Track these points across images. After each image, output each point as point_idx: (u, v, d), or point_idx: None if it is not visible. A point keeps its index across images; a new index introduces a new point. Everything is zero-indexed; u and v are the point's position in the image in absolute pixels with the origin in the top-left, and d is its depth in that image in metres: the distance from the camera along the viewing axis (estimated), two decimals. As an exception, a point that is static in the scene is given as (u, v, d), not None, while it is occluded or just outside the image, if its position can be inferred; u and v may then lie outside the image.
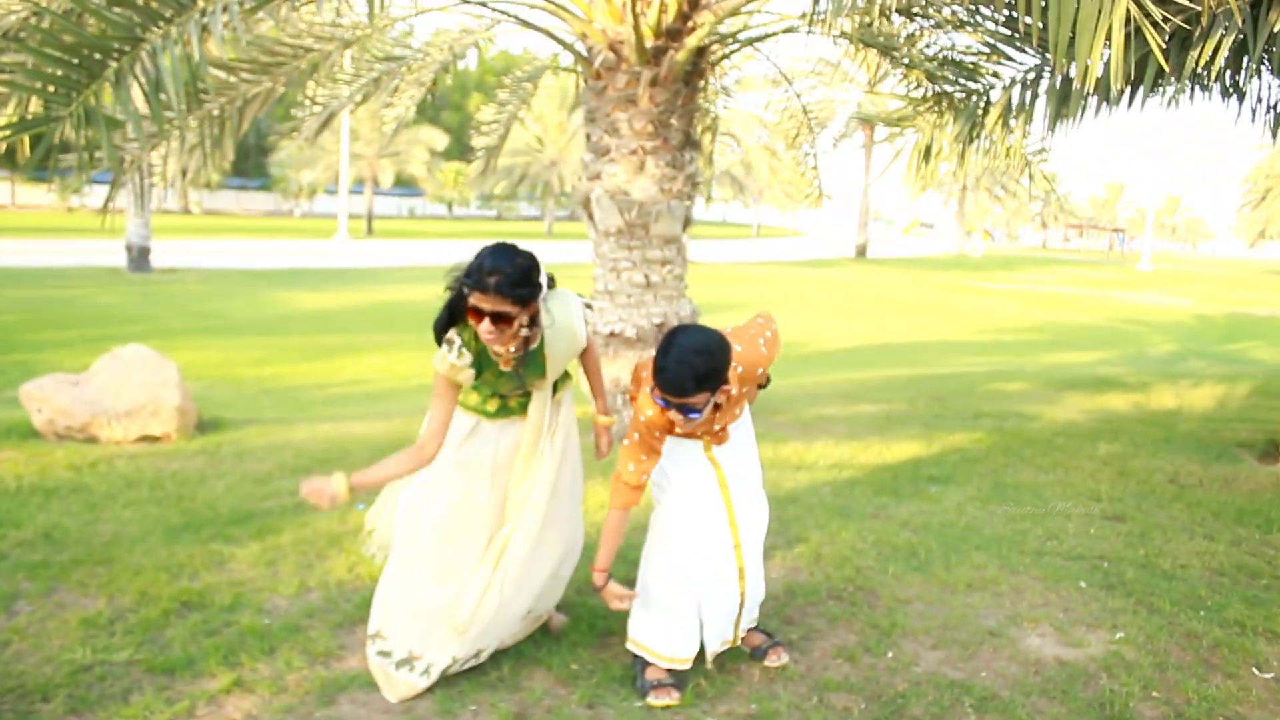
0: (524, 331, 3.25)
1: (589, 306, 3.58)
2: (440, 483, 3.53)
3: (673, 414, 3.17)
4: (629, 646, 3.64)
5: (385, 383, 12.32)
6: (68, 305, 18.72)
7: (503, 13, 7.80)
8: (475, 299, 3.08)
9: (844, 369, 14.22)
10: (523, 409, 3.55)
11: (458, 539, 3.54)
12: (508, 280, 3.06)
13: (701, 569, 3.51)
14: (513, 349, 3.29)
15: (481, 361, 3.33)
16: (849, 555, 4.83)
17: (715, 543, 3.50)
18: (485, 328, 3.10)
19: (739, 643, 3.73)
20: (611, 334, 7.52)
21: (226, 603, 4.06)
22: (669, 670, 3.57)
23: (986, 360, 16.55)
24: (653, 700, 3.47)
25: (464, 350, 3.26)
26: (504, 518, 3.59)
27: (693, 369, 3.06)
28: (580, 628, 3.91)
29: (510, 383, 3.43)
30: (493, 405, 3.55)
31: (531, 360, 3.39)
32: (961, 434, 8.09)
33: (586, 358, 3.73)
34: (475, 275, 3.07)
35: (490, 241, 3.25)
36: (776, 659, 3.69)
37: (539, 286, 3.21)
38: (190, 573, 4.37)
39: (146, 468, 6.17)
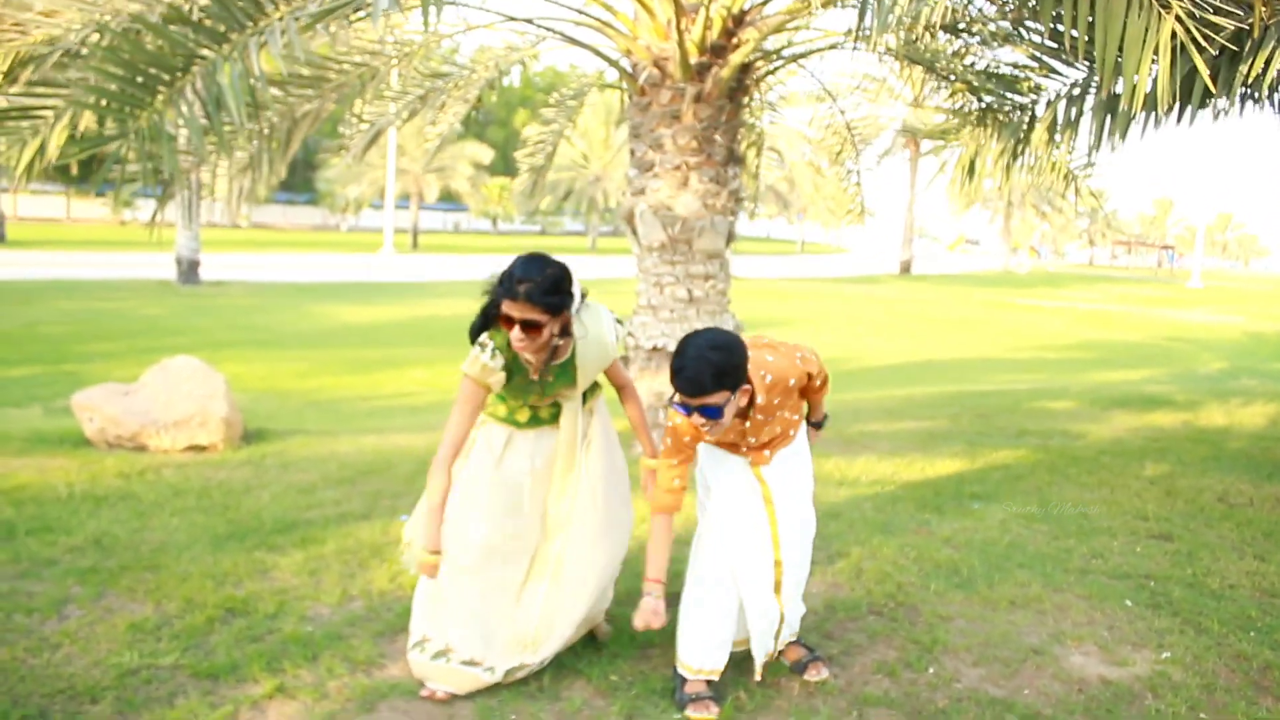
0: (555, 341, 3.32)
1: (619, 322, 3.62)
2: (481, 500, 3.57)
3: (695, 418, 3.16)
4: (676, 665, 3.65)
5: (428, 395, 12.43)
6: (119, 317, 19.05)
7: (548, 29, 7.85)
8: (506, 306, 3.17)
9: (888, 385, 14.13)
10: (554, 419, 3.59)
11: (503, 555, 3.58)
12: (538, 288, 3.15)
13: (740, 581, 3.50)
14: (542, 358, 3.36)
15: (513, 367, 3.38)
16: (890, 571, 4.81)
17: (755, 556, 3.49)
18: (516, 335, 3.19)
19: (779, 656, 3.71)
20: (654, 348, 7.53)
21: (270, 610, 4.11)
22: (709, 683, 3.57)
23: (1032, 377, 16.38)
24: (692, 714, 3.47)
25: (497, 353, 3.33)
26: (547, 531, 3.62)
27: (710, 364, 3.07)
28: (620, 639, 3.91)
29: (539, 391, 3.48)
30: (523, 415, 3.59)
31: (563, 370, 3.45)
32: (1005, 451, 8.01)
33: (628, 400, 3.74)
34: (507, 283, 3.17)
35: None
36: (816, 674, 3.68)
37: (570, 296, 3.28)
38: (235, 580, 4.43)
39: (194, 477, 6.26)
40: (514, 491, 3.58)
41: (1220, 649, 4.04)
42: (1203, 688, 3.71)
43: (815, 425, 3.79)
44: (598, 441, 3.68)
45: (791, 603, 3.60)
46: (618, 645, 3.88)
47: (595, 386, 3.71)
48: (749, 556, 3.49)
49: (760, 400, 3.33)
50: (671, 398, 3.20)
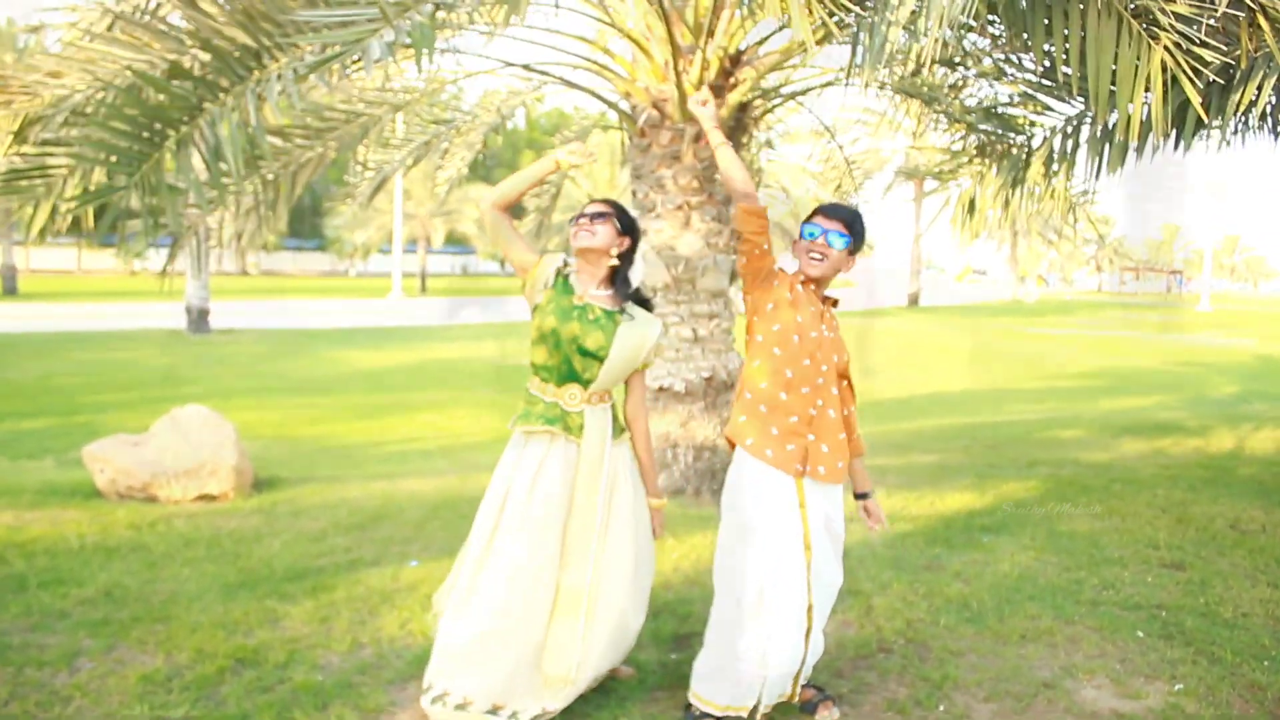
0: (612, 258, 3.65)
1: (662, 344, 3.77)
2: (511, 537, 3.56)
3: (820, 240, 3.49)
4: (690, 698, 3.64)
5: (439, 440, 12.46)
6: (130, 367, 19.18)
7: (546, 75, 7.95)
8: (584, 208, 3.65)
9: (897, 419, 14.11)
10: (580, 431, 3.58)
11: (531, 575, 3.55)
12: (606, 201, 3.72)
13: (771, 621, 3.48)
14: (601, 291, 3.65)
15: (559, 285, 3.64)
16: (900, 607, 4.80)
17: (789, 596, 3.47)
18: (582, 222, 3.60)
19: (794, 698, 3.69)
20: (660, 389, 7.55)
21: (281, 659, 4.12)
22: (722, 721, 3.56)
23: (1042, 407, 16.35)
24: None
25: (560, 271, 3.69)
26: (565, 560, 3.59)
27: (856, 214, 3.59)
28: (629, 681, 3.91)
29: (577, 325, 3.53)
30: (553, 415, 3.59)
31: (604, 321, 3.56)
32: (1015, 483, 8.00)
33: (637, 433, 3.76)
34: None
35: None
36: (827, 713, 3.66)
37: (635, 229, 3.73)
38: (245, 629, 4.44)
39: (204, 526, 6.29)
40: (543, 529, 3.56)
41: (1234, 679, 4.02)
42: (1217, 719, 3.68)
43: (861, 496, 3.81)
44: (626, 477, 3.70)
45: (816, 642, 3.56)
46: (625, 688, 3.87)
47: (621, 430, 3.73)
48: (782, 600, 3.47)
49: (834, 317, 3.64)
50: (792, 245, 3.61)
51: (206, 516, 6.62)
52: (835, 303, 3.67)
